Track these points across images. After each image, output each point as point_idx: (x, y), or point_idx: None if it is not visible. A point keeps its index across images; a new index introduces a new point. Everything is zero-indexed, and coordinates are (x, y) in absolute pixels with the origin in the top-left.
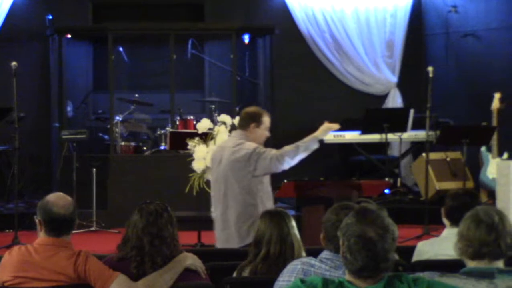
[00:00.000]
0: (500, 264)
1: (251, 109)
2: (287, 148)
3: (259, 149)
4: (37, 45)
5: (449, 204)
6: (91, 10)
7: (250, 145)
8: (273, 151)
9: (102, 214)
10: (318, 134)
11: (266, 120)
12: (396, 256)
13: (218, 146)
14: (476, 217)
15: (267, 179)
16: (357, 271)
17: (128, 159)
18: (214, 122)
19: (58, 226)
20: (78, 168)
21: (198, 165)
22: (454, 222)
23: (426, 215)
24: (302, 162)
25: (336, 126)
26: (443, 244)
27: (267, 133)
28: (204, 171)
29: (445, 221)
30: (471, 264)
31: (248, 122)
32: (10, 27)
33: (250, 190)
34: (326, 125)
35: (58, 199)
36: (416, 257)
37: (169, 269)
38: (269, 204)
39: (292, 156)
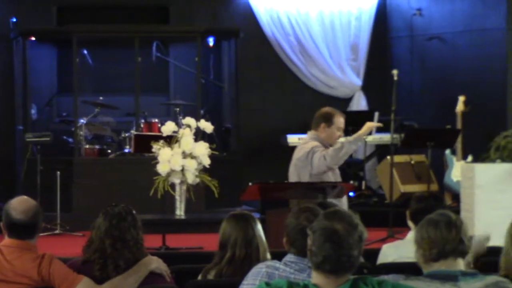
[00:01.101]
0: (461, 264)
1: (324, 109)
2: (332, 147)
3: (315, 149)
4: (0, 47)
5: (414, 206)
6: (55, 13)
7: (310, 145)
8: (324, 151)
9: (66, 217)
10: (361, 132)
11: (338, 120)
12: (361, 259)
13: None
14: (432, 220)
15: (331, 177)
16: (320, 263)
17: (93, 162)
18: (179, 125)
19: (18, 230)
20: (42, 171)
21: (162, 168)
22: None
23: (391, 217)
24: (267, 164)
25: (378, 124)
26: (407, 246)
27: (338, 133)
28: (168, 174)
29: (410, 223)
30: (434, 267)
31: (319, 122)
32: None
33: None
34: (368, 124)
35: (19, 204)
36: (381, 259)
37: (134, 272)
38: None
39: (336, 154)
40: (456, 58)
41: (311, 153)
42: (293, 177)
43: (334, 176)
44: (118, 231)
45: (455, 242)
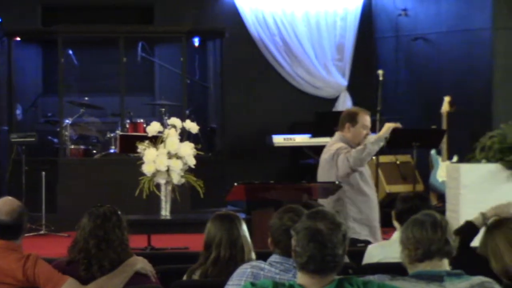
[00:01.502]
0: (446, 264)
1: (349, 109)
2: (355, 149)
3: (339, 151)
4: None
5: (400, 207)
6: (40, 13)
7: (335, 147)
8: (348, 153)
9: (51, 218)
10: (382, 133)
11: (362, 118)
12: (347, 259)
13: None
14: (417, 221)
15: (360, 182)
16: (304, 264)
17: (78, 163)
18: (164, 125)
19: (2, 231)
20: (27, 171)
21: (148, 168)
22: None
23: None
24: (252, 165)
25: (396, 124)
26: (393, 247)
27: (365, 132)
28: (154, 174)
29: (396, 224)
30: (419, 267)
31: (344, 122)
32: None
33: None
34: (387, 124)
35: (3, 205)
36: (366, 260)
37: (119, 273)
38: (364, 208)
39: (358, 155)
40: (442, 59)
41: (335, 155)
42: (321, 179)
43: (362, 179)
44: (102, 232)
45: (440, 242)
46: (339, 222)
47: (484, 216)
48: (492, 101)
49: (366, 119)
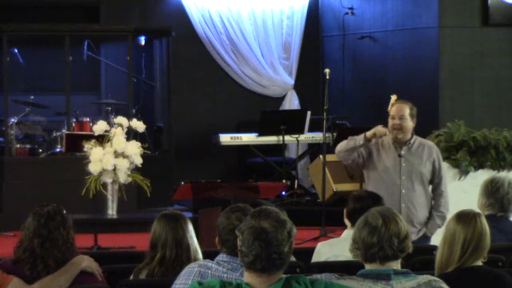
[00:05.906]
0: (396, 265)
1: None
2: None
3: None
4: None
5: (352, 205)
6: None
7: None
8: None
9: None
10: (369, 132)
11: (392, 110)
12: (293, 258)
13: None
14: (363, 219)
15: (378, 176)
16: (251, 263)
17: (24, 162)
18: (111, 124)
19: None
20: None
21: (94, 167)
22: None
23: (323, 216)
24: (199, 164)
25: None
26: (342, 245)
27: (392, 122)
28: (100, 173)
29: (347, 222)
30: (367, 266)
31: None
32: None
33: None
34: (376, 128)
35: None
36: (315, 258)
37: (65, 272)
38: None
39: (342, 143)
40: (388, 57)
41: None
42: None
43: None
44: (46, 231)
45: (376, 248)
46: (283, 219)
47: None
48: (438, 100)
49: (393, 109)
